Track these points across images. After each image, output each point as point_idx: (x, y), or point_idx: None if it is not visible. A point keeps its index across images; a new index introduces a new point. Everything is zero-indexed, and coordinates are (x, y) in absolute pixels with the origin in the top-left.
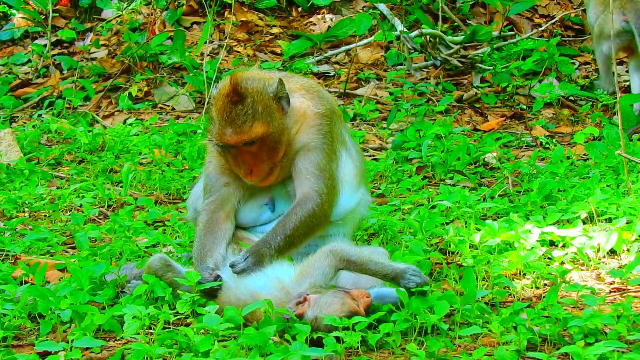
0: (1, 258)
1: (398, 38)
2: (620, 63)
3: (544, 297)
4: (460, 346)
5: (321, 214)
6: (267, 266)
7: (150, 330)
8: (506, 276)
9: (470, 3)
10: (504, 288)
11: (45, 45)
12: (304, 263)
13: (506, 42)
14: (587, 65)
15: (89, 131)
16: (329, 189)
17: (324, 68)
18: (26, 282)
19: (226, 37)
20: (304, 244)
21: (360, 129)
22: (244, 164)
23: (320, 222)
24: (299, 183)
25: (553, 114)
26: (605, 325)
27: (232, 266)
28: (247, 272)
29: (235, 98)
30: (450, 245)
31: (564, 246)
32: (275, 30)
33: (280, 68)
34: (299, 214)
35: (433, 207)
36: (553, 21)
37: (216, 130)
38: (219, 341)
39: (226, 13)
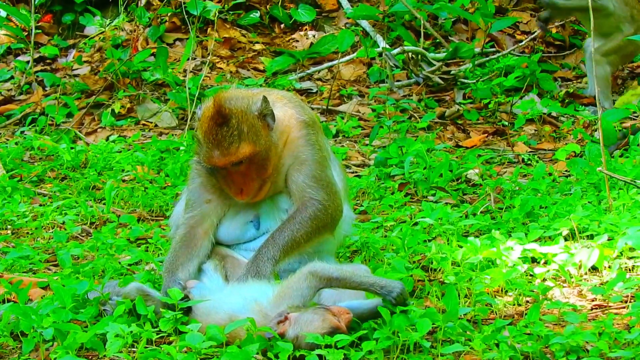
0: None
1: (380, 55)
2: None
3: (526, 314)
4: None
5: (324, 217)
6: (246, 288)
7: (132, 349)
8: (488, 293)
9: (452, 20)
10: (486, 305)
11: (27, 62)
12: (282, 285)
13: (488, 59)
14: (569, 82)
15: (72, 148)
16: (330, 195)
17: (306, 85)
18: (8, 300)
19: (209, 54)
20: (309, 246)
21: (342, 146)
22: (234, 183)
23: (325, 225)
24: (298, 196)
25: (535, 130)
26: (587, 342)
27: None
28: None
29: (220, 120)
30: (432, 263)
31: (545, 263)
32: (257, 46)
33: (263, 85)
34: (298, 218)
35: (415, 224)
36: (531, 37)
37: (204, 152)
38: (201, 359)
39: (209, 30)
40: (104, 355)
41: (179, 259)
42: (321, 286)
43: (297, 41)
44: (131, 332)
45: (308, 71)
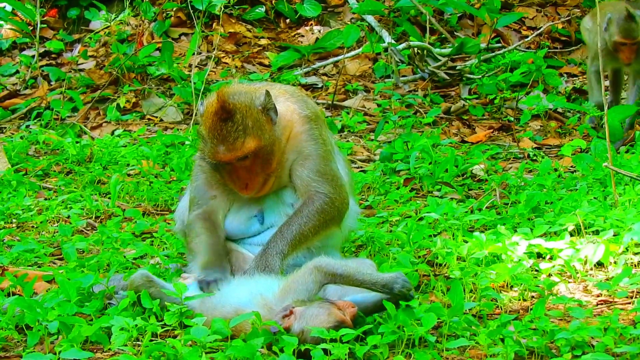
0: None
1: (386, 50)
2: (607, 77)
3: (531, 309)
4: (447, 358)
5: (331, 210)
6: (252, 282)
7: (137, 342)
8: (493, 288)
9: (458, 15)
10: (492, 300)
11: (33, 56)
12: (287, 279)
13: (494, 54)
14: (575, 78)
15: (77, 142)
16: (335, 187)
17: (311, 80)
18: (14, 294)
19: (214, 49)
20: (316, 240)
21: (348, 141)
22: (239, 179)
23: (332, 218)
24: (303, 190)
25: (540, 126)
26: (592, 338)
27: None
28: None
29: (225, 115)
30: (437, 257)
31: (551, 258)
32: (263, 41)
33: (268, 79)
34: (305, 211)
35: (421, 219)
36: (537, 32)
37: (208, 148)
38: (206, 353)
39: (214, 24)
40: (109, 349)
41: (202, 252)
42: (326, 281)
43: (303, 36)
44: (136, 325)
45: (313, 66)
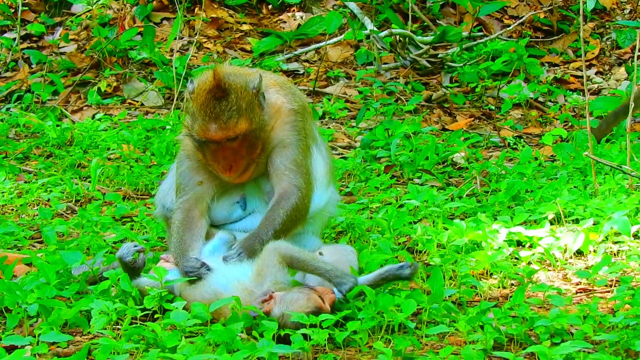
0: None
1: (368, 37)
2: (589, 67)
3: (510, 296)
4: (427, 345)
5: (302, 208)
6: (226, 268)
7: (117, 326)
8: (473, 275)
9: (440, 3)
10: (471, 287)
11: (14, 39)
12: (257, 263)
13: (475, 43)
14: (556, 67)
15: (58, 126)
16: (307, 184)
17: (293, 66)
18: None
19: (196, 34)
20: (287, 237)
21: (329, 127)
22: (224, 160)
23: (302, 216)
24: (277, 179)
25: (521, 114)
26: (571, 326)
27: (224, 259)
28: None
29: (219, 94)
30: (418, 244)
31: (531, 246)
32: (245, 27)
33: (250, 65)
34: (285, 208)
35: (401, 206)
36: (520, 21)
37: (198, 125)
38: (186, 337)
39: (196, 9)
40: (88, 332)
41: (186, 242)
42: (284, 263)
43: (285, 22)
44: (116, 309)
45: (295, 52)
